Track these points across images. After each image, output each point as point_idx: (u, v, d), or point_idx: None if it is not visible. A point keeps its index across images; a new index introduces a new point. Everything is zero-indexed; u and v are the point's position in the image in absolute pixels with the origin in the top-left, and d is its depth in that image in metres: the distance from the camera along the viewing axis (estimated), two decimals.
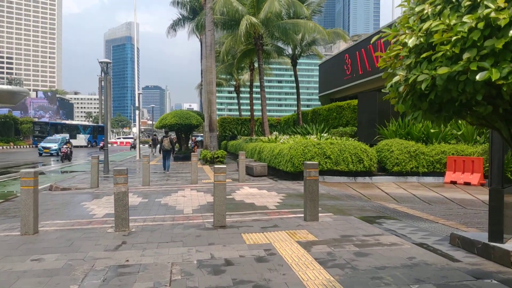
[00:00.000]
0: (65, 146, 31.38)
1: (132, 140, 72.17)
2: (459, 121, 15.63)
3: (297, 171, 14.86)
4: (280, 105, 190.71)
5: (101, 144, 52.51)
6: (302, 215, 8.16)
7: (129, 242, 6.41)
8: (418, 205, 9.46)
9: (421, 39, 3.38)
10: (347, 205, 9.54)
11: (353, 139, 17.30)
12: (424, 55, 3.34)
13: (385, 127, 16.99)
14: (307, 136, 20.17)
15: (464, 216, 8.02)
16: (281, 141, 19.82)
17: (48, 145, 40.48)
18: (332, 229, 7.04)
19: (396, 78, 3.73)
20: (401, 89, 3.67)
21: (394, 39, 3.94)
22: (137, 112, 33.68)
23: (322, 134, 20.17)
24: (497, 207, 5.38)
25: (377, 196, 10.97)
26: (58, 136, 44.60)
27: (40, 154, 39.75)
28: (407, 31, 3.69)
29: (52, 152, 39.47)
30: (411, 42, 3.47)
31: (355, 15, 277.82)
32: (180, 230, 7.23)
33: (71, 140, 39.39)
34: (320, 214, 7.91)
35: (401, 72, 3.67)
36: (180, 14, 42.64)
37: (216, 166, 7.51)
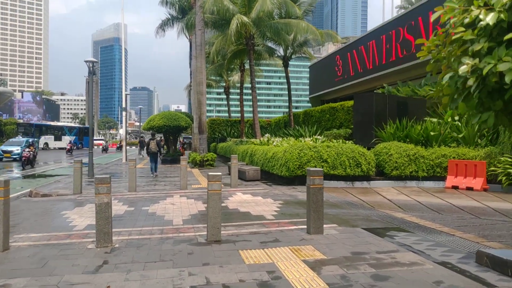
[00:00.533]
0: (27, 150, 26.65)
1: (104, 142, 70.61)
2: (460, 123, 15.07)
3: (292, 176, 14.15)
4: (269, 106, 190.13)
5: (68, 147, 47.07)
6: (304, 226, 7.44)
7: (112, 262, 5.61)
8: (427, 214, 8.79)
9: (502, 15, 2.65)
10: (351, 214, 8.83)
11: (349, 142, 16.65)
12: (508, 36, 2.56)
13: (382, 129, 16.36)
14: (300, 139, 19.49)
15: (481, 228, 7.36)
16: (274, 143, 19.11)
17: (9, 148, 34.19)
18: (340, 244, 6.31)
19: (463, 68, 2.96)
20: (470, 82, 2.91)
21: (454, 19, 3.20)
22: (124, 113, 32.71)
23: (317, 137, 19.51)
24: None
25: (380, 204, 10.28)
26: (22, 138, 39.14)
27: (0, 159, 33.93)
28: (474, 7, 2.91)
29: (15, 156, 33.35)
30: (490, 18, 2.71)
31: (343, 17, 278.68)
32: (169, 245, 6.45)
33: (59, 141, 37.36)
34: (324, 226, 7.19)
35: (468, 60, 2.92)
36: (169, 14, 41.72)
37: (210, 173, 6.74)
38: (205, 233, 6.99)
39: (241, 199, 11.33)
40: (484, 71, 2.67)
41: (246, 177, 16.42)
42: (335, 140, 16.63)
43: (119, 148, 60.79)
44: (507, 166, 12.65)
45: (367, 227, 7.45)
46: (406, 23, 25.69)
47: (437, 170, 14.47)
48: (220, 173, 6.77)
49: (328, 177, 14.01)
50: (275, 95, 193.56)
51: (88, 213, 9.47)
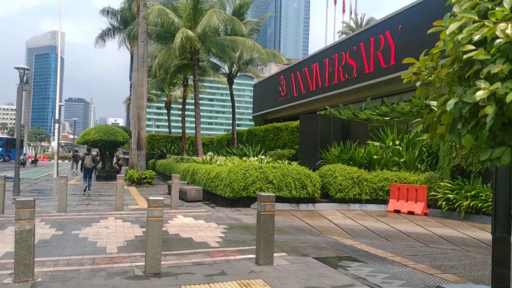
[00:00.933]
0: None
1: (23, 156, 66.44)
2: (401, 147, 15.30)
3: (237, 197, 13.61)
4: (211, 123, 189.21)
5: (22, 158, 45.32)
6: (252, 255, 6.90)
7: None
8: (376, 241, 8.56)
9: None
10: (300, 241, 8.41)
11: (294, 163, 16.43)
12: None
13: (327, 151, 16.30)
14: (244, 158, 19.06)
15: (432, 258, 7.18)
16: (217, 162, 18.50)
17: None
18: (292, 277, 5.83)
19: (480, 94, 2.54)
20: (488, 111, 2.51)
21: (461, 35, 2.80)
22: (56, 125, 30.76)
23: (262, 157, 19.17)
24: (503, 260, 4.46)
25: (328, 229, 9.98)
26: None
27: None
28: (488, 22, 2.53)
29: None
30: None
31: (286, 39, 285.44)
32: (102, 279, 5.66)
33: None
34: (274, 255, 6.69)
35: (484, 84, 2.55)
36: (110, 24, 40.21)
37: (150, 197, 6.06)
38: (143, 263, 6.26)
39: (183, 222, 10.60)
40: (508, 99, 2.32)
41: (187, 197, 15.66)
42: (280, 161, 16.33)
43: (34, 162, 57.21)
44: (447, 191, 12.89)
45: (318, 256, 7.04)
46: (349, 48, 26.31)
47: (380, 194, 14.53)
48: (162, 198, 6.10)
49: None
50: (217, 112, 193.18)
51: (9, 238, 8.37)
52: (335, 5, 49.07)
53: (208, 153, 24.28)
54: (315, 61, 30.31)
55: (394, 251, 7.54)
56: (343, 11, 50.83)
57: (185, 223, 10.51)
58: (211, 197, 16.07)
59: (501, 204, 4.52)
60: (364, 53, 24.68)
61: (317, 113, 26.41)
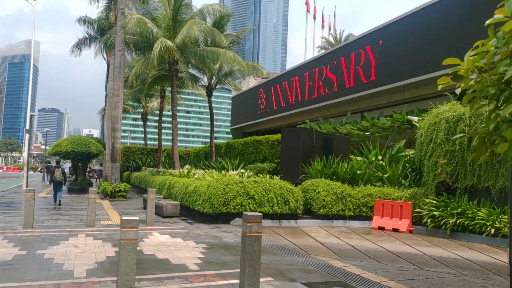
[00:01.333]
0: None
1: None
2: (384, 163, 14.99)
3: (216, 213, 12.99)
4: (188, 135, 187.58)
5: None
6: (235, 281, 6.31)
7: None
8: (366, 263, 8.06)
9: None
10: (286, 263, 7.85)
11: (275, 177, 15.94)
12: None
13: (309, 165, 15.87)
14: (223, 172, 18.48)
15: (428, 282, 6.71)
16: (195, 176, 17.87)
17: None
18: None
19: None
20: None
21: None
22: (27, 135, 29.54)
23: (242, 170, 18.64)
24: None
25: (314, 248, 9.45)
26: None
27: None
28: None
29: None
30: None
31: (264, 53, 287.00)
32: None
33: None
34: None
35: None
36: (87, 33, 39.27)
37: (125, 218, 5.43)
38: None
39: (159, 241, 9.92)
40: None
41: (163, 212, 14.94)
42: (261, 175, 15.82)
43: None
44: (432, 208, 12.58)
45: (307, 282, 6.50)
46: (329, 62, 26.17)
47: (363, 210, 14.13)
48: (137, 218, 5.48)
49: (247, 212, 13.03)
50: (194, 124, 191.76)
51: None
52: (314, 21, 49.34)
53: (186, 166, 23.61)
54: (295, 75, 30.09)
55: (388, 275, 7.06)
56: (322, 26, 51.14)
57: (161, 241, 9.83)
58: (188, 213, 15.40)
59: None
60: (344, 67, 24.56)
61: (297, 126, 26.10)
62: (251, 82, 52.15)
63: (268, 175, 16.83)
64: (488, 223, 10.90)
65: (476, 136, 2.85)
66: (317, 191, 13.95)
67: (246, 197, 13.08)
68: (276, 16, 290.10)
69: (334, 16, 52.44)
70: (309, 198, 14.05)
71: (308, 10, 47.43)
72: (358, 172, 14.92)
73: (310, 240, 10.66)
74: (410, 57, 19.76)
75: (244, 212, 6.13)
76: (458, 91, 3.15)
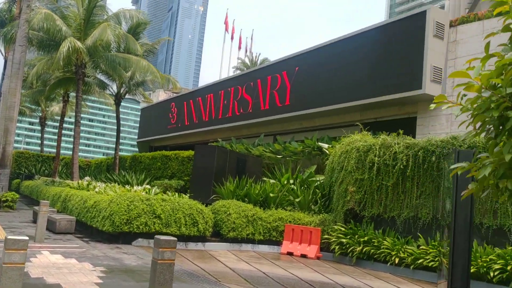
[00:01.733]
0: None
1: None
2: (296, 187, 15.01)
3: (117, 232, 11.88)
4: (89, 145, 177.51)
5: None
6: None
7: None
8: None
9: None
10: None
11: (184, 196, 15.20)
12: None
13: (222, 185, 15.36)
14: (127, 187, 17.30)
15: None
16: (96, 189, 16.47)
17: None
18: None
19: None
20: None
21: None
22: None
23: (146, 186, 17.58)
24: None
25: (224, 275, 8.89)
26: None
27: None
28: None
29: None
30: None
31: (177, 69, 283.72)
32: None
33: None
34: None
35: None
36: None
37: (10, 237, 4.46)
38: None
39: (49, 261, 8.68)
40: None
41: (56, 228, 13.40)
42: (170, 193, 14.97)
43: None
44: (340, 235, 12.70)
45: None
46: (246, 83, 26.20)
47: (273, 234, 13.88)
48: (26, 238, 4.54)
49: (160, 235, 12.17)
50: (96, 133, 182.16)
51: None
52: (231, 41, 49.69)
53: (86, 177, 21.84)
54: (210, 92, 29.71)
55: None
56: (239, 48, 51.68)
57: (52, 262, 8.62)
58: (85, 229, 14.01)
59: (459, 265, 3.93)
60: (260, 90, 24.70)
61: (209, 144, 25.58)
62: (161, 95, 50.69)
63: (176, 193, 16.03)
64: (393, 253, 11.19)
65: (492, 165, 2.56)
66: (228, 212, 13.44)
67: (152, 216, 12.16)
68: (192, 32, 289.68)
69: (251, 39, 53.33)
70: (219, 220, 13.48)
71: (226, 29, 47.69)
72: (271, 195, 14.73)
73: (219, 265, 10.08)
74: (322, 86, 20.38)
75: (156, 237, 5.46)
76: (457, 115, 2.88)
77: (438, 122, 16.66)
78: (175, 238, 5.49)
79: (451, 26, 16.91)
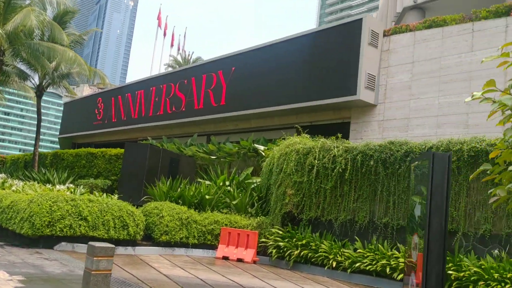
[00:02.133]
0: None
1: None
2: (232, 188, 14.64)
3: (38, 235, 10.76)
4: (3, 140, 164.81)
5: None
6: None
7: None
8: None
9: None
10: None
11: (113, 196, 14.25)
12: None
13: (154, 185, 14.59)
14: (48, 186, 15.97)
15: None
16: (13, 188, 14.98)
17: None
18: None
19: None
20: None
21: None
22: None
23: (69, 185, 16.34)
24: None
25: (160, 283, 8.25)
26: None
27: None
28: None
29: None
30: None
31: (103, 63, 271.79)
32: None
33: None
34: None
35: None
36: None
37: None
38: None
39: None
40: None
41: None
42: (97, 193, 13.95)
43: None
44: (278, 238, 12.50)
45: None
46: (179, 81, 25.43)
47: (208, 238, 13.36)
48: None
49: (85, 239, 11.20)
50: (12, 128, 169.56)
51: None
52: (164, 37, 48.30)
53: (0, 175, 19.92)
54: (140, 88, 28.50)
55: None
56: (171, 45, 50.40)
57: None
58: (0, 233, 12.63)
59: (433, 273, 3.73)
60: (195, 88, 24.06)
61: (139, 142, 24.44)
62: (85, 90, 48.21)
63: (103, 194, 15.01)
64: (330, 256, 11.15)
65: None
66: (161, 215, 12.72)
67: (78, 218, 11.18)
68: (121, 27, 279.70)
69: (185, 37, 52.20)
70: (151, 223, 12.71)
71: (159, 25, 46.24)
72: (207, 197, 14.21)
73: (153, 272, 9.41)
74: (259, 88, 20.21)
75: (90, 243, 4.80)
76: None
77: (370, 128, 17.07)
78: (113, 245, 4.87)
79: (384, 35, 17.39)
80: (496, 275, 8.30)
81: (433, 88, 15.50)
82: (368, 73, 16.49)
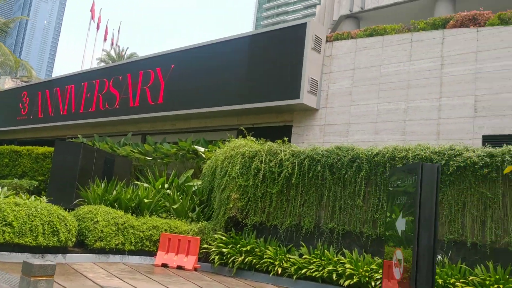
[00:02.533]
0: None
1: None
2: (172, 192, 14.00)
3: None
4: None
5: None
6: None
7: None
8: None
9: None
10: None
11: (41, 199, 13.06)
12: None
13: (88, 188, 13.58)
14: None
15: None
16: None
17: None
18: None
19: None
20: None
21: None
22: None
23: None
24: None
25: None
26: None
27: None
28: None
29: None
30: None
31: (28, 56, 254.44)
32: None
33: None
34: None
35: None
36: None
37: None
38: None
39: None
40: None
41: None
42: (23, 195, 12.72)
43: None
44: (221, 244, 12.06)
45: None
46: (113, 76, 24.17)
47: (146, 244, 12.61)
48: None
49: (9, 247, 10.15)
50: None
51: None
52: (97, 31, 46.03)
53: None
54: (71, 83, 26.78)
55: None
56: (105, 39, 48.18)
57: None
58: None
59: (423, 268, 3.52)
60: (130, 85, 22.96)
61: (67, 140, 22.90)
62: (7, 83, 44.74)
63: (30, 196, 13.75)
64: (276, 262, 10.89)
65: None
66: (96, 220, 11.80)
67: (2, 223, 10.07)
68: (49, 18, 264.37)
69: (119, 31, 50.08)
70: (85, 228, 11.76)
71: (92, 18, 43.96)
72: (146, 200, 13.44)
73: (88, 283, 8.62)
74: (199, 87, 19.63)
75: (25, 261, 4.12)
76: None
77: (312, 132, 17.14)
78: (53, 263, 4.21)
79: (327, 41, 17.54)
80: (440, 281, 8.50)
81: (373, 95, 15.83)
82: (311, 78, 16.52)
